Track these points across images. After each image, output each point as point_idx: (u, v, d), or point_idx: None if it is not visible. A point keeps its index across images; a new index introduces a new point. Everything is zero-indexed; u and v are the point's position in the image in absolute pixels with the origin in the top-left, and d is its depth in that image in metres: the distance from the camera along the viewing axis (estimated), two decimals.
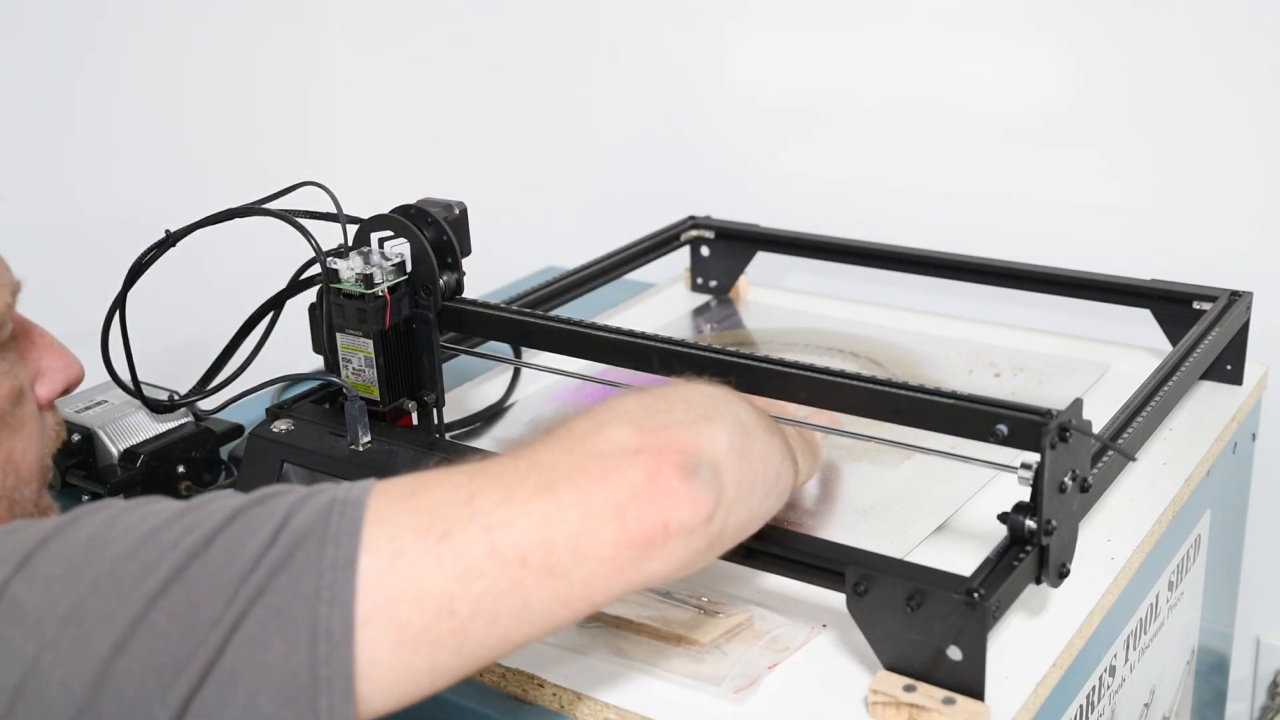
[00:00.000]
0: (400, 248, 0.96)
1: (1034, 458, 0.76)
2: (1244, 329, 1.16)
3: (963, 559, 0.87)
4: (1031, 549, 0.78)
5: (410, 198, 1.00)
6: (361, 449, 0.94)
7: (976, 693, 0.74)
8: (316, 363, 1.03)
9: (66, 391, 0.82)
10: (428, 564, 0.59)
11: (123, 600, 0.56)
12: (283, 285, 1.03)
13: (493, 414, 1.17)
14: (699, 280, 1.46)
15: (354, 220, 1.00)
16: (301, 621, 0.56)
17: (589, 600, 0.63)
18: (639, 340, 0.92)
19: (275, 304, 1.04)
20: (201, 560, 0.57)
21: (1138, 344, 1.26)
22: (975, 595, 0.73)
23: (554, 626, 0.63)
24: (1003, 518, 0.79)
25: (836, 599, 0.78)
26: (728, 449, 0.68)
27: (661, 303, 1.45)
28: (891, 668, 0.77)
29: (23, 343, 0.78)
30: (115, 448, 1.03)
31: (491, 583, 0.59)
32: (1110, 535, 0.94)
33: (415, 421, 1.02)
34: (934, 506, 0.98)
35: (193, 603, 0.56)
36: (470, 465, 0.64)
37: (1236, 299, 1.15)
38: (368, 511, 0.59)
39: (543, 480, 0.62)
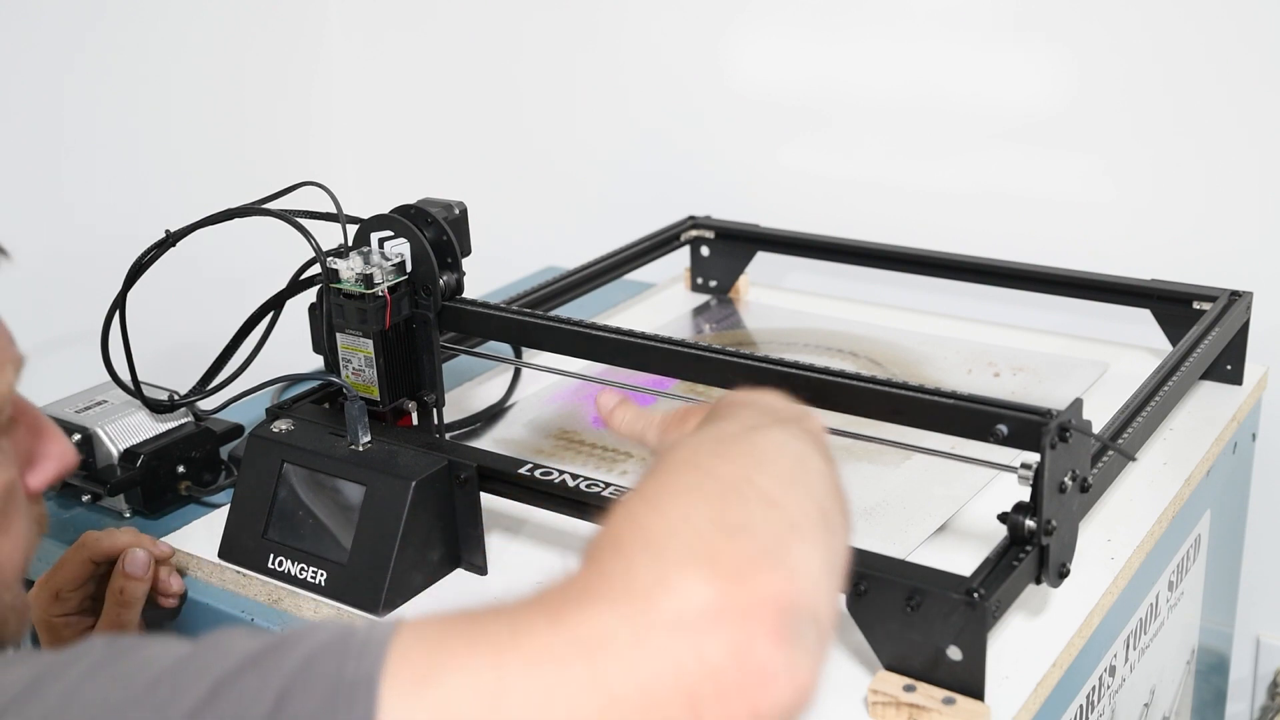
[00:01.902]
0: (400, 248, 0.96)
1: (1034, 458, 0.76)
2: (1244, 329, 1.16)
3: (963, 559, 0.87)
4: (1031, 549, 0.78)
5: (410, 198, 1.00)
6: (361, 449, 0.94)
7: (976, 693, 0.74)
8: (316, 363, 1.03)
9: (57, 481, 0.72)
10: None
11: None
12: (283, 285, 1.03)
13: (493, 414, 1.17)
14: (699, 280, 1.46)
15: (354, 220, 1.00)
16: None
17: None
18: (639, 340, 0.92)
19: (275, 304, 1.04)
20: None
21: (1138, 344, 1.26)
22: (975, 595, 0.73)
23: None
24: (1003, 518, 0.79)
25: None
26: (825, 572, 0.53)
27: (661, 303, 1.45)
28: (891, 668, 0.77)
29: (18, 426, 0.68)
30: (115, 448, 1.03)
31: None
32: (1110, 535, 0.94)
33: (415, 421, 1.02)
34: (934, 506, 0.98)
35: None
36: (499, 627, 0.49)
37: (1236, 299, 1.15)
38: (379, 709, 0.47)
39: (591, 669, 0.47)
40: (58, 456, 0.69)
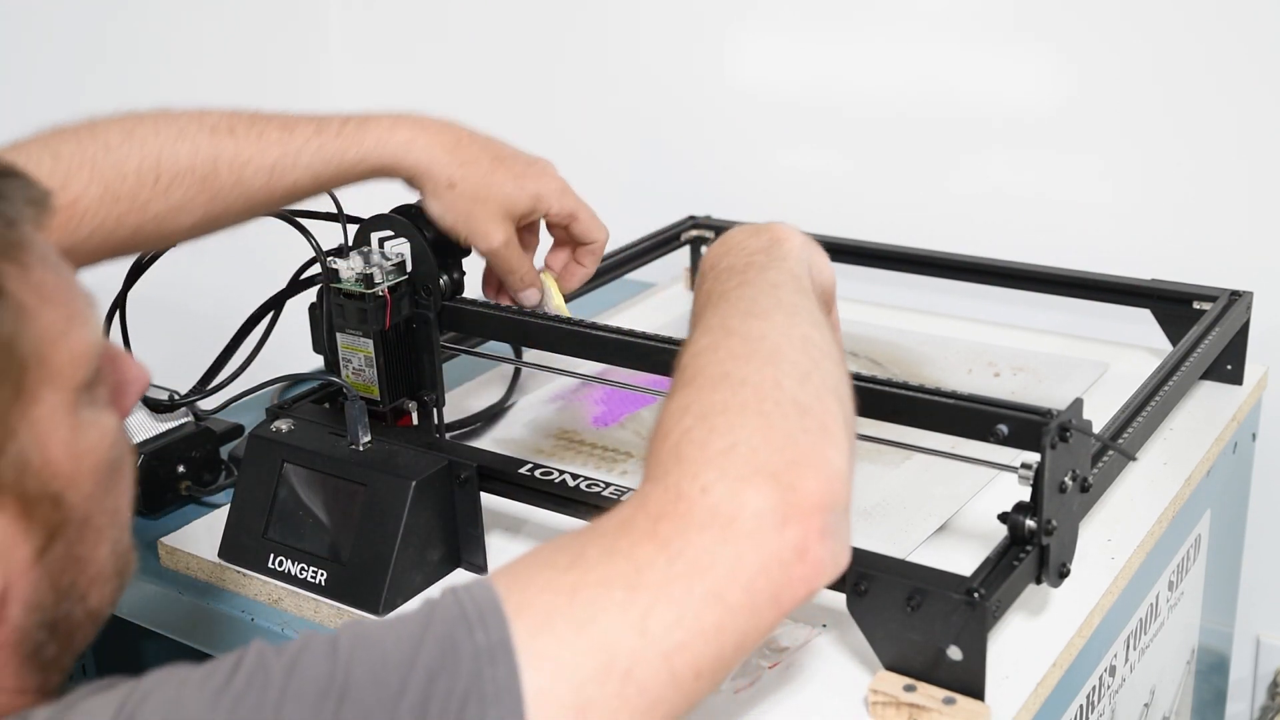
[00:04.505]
0: (400, 247, 0.96)
1: (1034, 458, 0.76)
2: (1244, 329, 1.16)
3: (963, 559, 0.87)
4: (1031, 549, 0.78)
5: (410, 197, 1.00)
6: (361, 449, 0.94)
7: (976, 693, 0.74)
8: (316, 363, 1.03)
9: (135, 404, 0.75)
10: (615, 706, 0.56)
11: None
12: (283, 285, 1.03)
13: (493, 414, 1.17)
14: None
15: (354, 220, 1.00)
16: None
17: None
18: (639, 340, 0.92)
19: (275, 304, 1.04)
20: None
21: (1138, 344, 1.26)
22: (975, 595, 0.73)
23: None
24: (1003, 518, 0.79)
25: (836, 599, 0.78)
26: (849, 465, 0.64)
27: (661, 303, 1.45)
28: (891, 668, 0.77)
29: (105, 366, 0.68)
30: None
31: (671, 706, 0.58)
32: (1110, 535, 0.94)
33: (415, 421, 1.02)
34: (934, 506, 0.98)
35: None
36: (618, 565, 0.59)
37: (1236, 299, 1.15)
38: (522, 664, 0.55)
39: (708, 585, 0.58)
40: (136, 379, 0.70)
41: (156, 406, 1.04)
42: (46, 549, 0.60)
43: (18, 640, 0.60)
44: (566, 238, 1.04)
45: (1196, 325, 1.10)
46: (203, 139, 0.92)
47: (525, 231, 1.02)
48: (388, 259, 0.95)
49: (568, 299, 1.05)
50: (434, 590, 0.61)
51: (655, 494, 0.61)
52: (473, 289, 1.01)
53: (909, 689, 0.75)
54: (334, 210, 1.00)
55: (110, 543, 0.64)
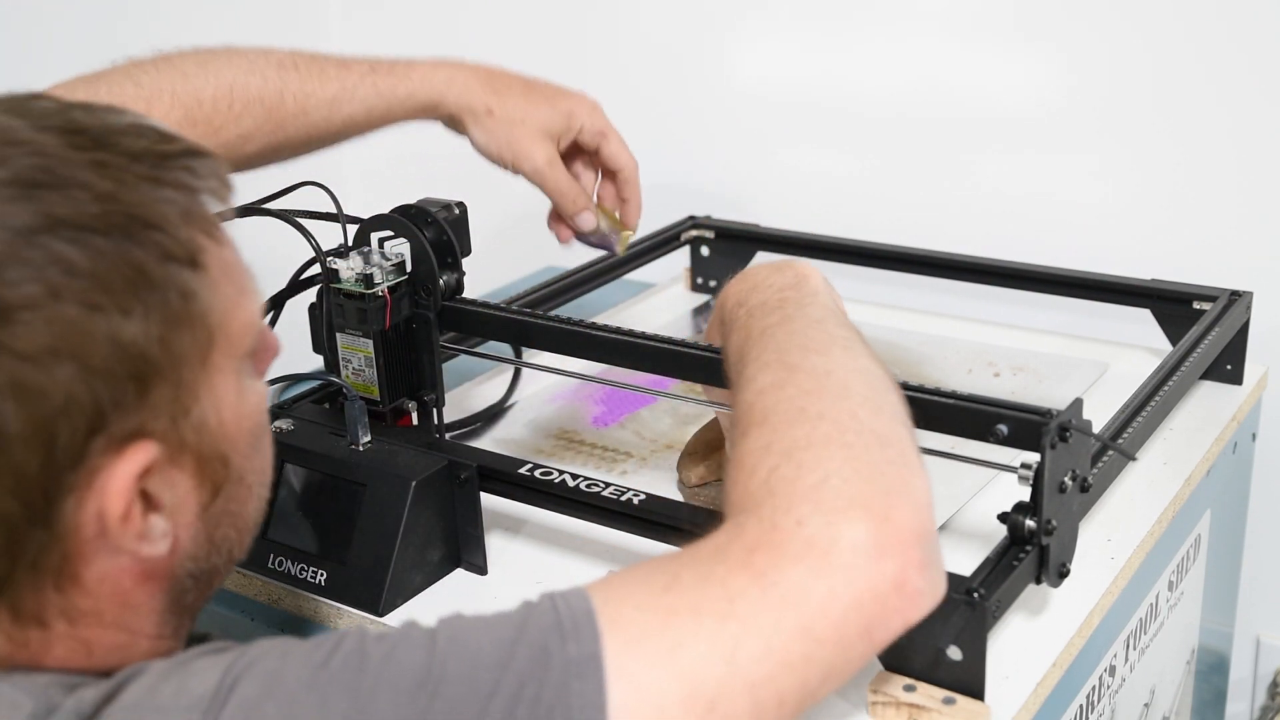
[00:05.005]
0: (400, 247, 0.96)
1: (1034, 458, 0.76)
2: (1244, 329, 1.16)
3: (963, 559, 0.87)
4: (1031, 549, 0.78)
5: (410, 198, 1.00)
6: (361, 449, 0.94)
7: (976, 693, 0.74)
8: (316, 363, 1.03)
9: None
10: None
11: None
12: (283, 285, 1.03)
13: (493, 414, 1.17)
14: (699, 280, 1.46)
15: (354, 220, 1.00)
16: None
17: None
18: (639, 340, 0.92)
19: (275, 304, 1.04)
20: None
21: (1138, 344, 1.26)
22: (975, 595, 0.73)
23: None
24: (1003, 518, 0.79)
25: None
26: (930, 493, 0.64)
27: (661, 303, 1.45)
28: (891, 668, 0.77)
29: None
30: None
31: None
32: (1110, 535, 0.94)
33: (415, 421, 1.02)
34: (934, 507, 0.98)
35: None
36: (710, 592, 0.59)
37: (1236, 299, 1.15)
38: (609, 680, 0.56)
39: (799, 619, 0.58)
40: (273, 347, 0.73)
41: None
42: (209, 505, 0.64)
43: (169, 588, 0.64)
44: (597, 168, 1.13)
45: (1196, 325, 1.10)
46: (270, 72, 0.99)
47: (574, 161, 1.11)
48: (388, 259, 0.95)
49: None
50: (532, 592, 0.62)
51: (750, 525, 0.61)
52: (473, 289, 1.01)
53: (909, 689, 0.75)
54: (334, 210, 1.00)
55: (257, 499, 0.68)
